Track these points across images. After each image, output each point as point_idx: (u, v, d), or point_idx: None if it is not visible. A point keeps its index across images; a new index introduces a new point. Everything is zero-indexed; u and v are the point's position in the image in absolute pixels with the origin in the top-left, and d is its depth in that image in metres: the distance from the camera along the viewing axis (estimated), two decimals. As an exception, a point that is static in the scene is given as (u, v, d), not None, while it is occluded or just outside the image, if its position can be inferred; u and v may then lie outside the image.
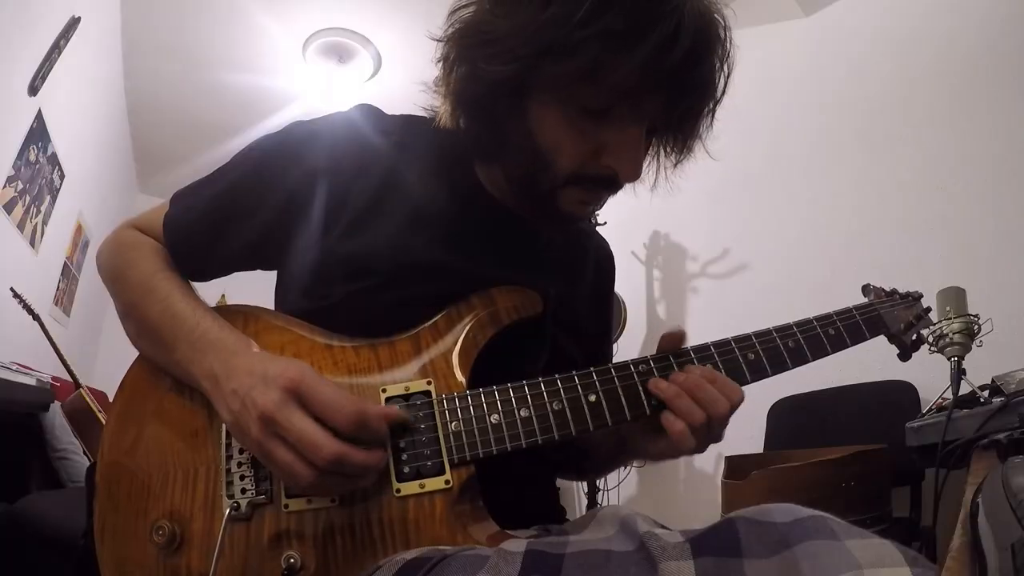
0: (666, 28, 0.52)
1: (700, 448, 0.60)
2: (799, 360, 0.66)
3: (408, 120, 0.73)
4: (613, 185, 0.63)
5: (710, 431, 0.59)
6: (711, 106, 0.62)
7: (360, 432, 0.51)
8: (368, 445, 0.51)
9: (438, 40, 0.62)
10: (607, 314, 0.86)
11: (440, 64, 0.64)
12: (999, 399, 0.97)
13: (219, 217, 0.69)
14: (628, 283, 2.75)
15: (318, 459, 0.48)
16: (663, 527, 0.49)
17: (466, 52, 0.60)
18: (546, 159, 0.61)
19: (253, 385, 0.52)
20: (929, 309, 0.86)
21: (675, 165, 0.69)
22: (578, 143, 0.60)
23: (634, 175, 0.61)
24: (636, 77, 0.54)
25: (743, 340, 0.65)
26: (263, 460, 0.52)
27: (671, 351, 0.63)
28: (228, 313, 0.65)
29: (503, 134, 0.63)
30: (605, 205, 0.70)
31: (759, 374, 0.64)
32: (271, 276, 0.74)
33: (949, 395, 1.14)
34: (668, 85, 0.56)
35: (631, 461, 0.83)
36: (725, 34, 0.58)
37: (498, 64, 0.57)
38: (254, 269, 0.74)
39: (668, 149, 0.68)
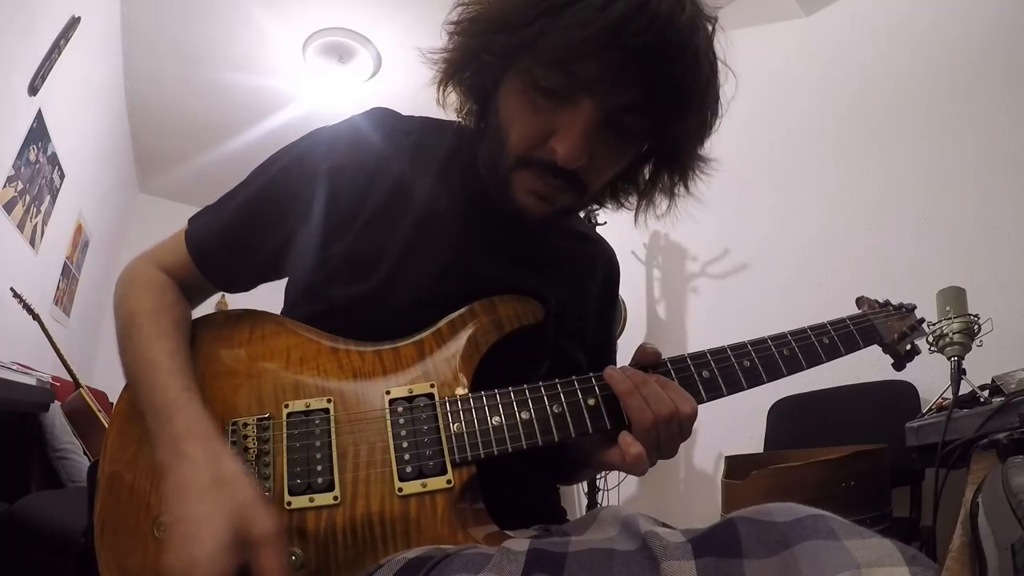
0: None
1: (650, 459, 0.57)
2: (794, 368, 0.67)
3: (424, 122, 0.74)
4: (560, 173, 0.60)
5: (658, 436, 0.56)
6: (690, 112, 0.60)
7: None
8: None
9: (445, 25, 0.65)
10: (610, 323, 0.86)
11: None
12: (999, 399, 0.97)
13: (246, 226, 0.69)
14: (628, 283, 2.73)
15: None
16: (665, 526, 0.49)
17: (453, 25, 0.63)
18: (502, 136, 0.62)
19: (176, 525, 0.48)
20: (923, 320, 0.87)
21: (671, 189, 0.68)
22: (530, 120, 0.60)
23: (571, 157, 0.58)
24: (572, 41, 0.54)
25: (738, 348, 0.65)
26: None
27: (651, 363, 0.62)
28: (234, 317, 0.66)
29: (485, 115, 0.66)
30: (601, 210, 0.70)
31: (755, 381, 0.64)
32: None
33: (949, 395, 1.14)
34: (608, 56, 0.55)
35: (587, 472, 0.82)
36: (696, 18, 0.56)
37: (467, 36, 0.61)
38: (282, 278, 0.73)
39: (667, 170, 0.67)
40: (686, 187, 0.68)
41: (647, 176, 0.70)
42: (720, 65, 0.61)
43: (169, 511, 0.50)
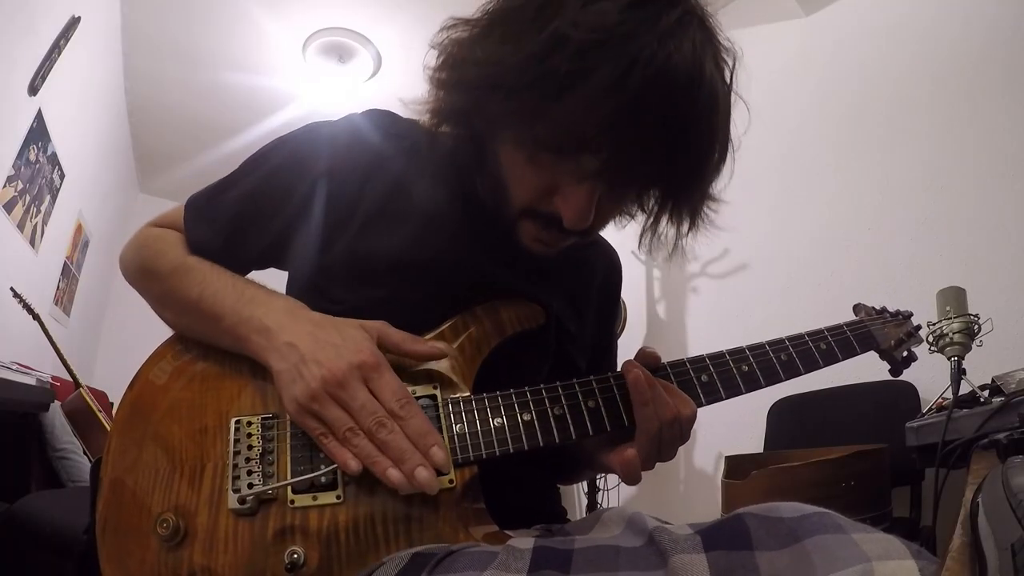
0: (606, 76, 0.48)
1: (650, 463, 0.60)
2: (791, 373, 0.68)
3: (419, 125, 0.74)
4: (564, 228, 0.59)
5: (660, 440, 0.58)
6: (707, 170, 0.59)
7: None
8: None
9: (433, 49, 0.62)
10: (611, 325, 0.86)
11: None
12: (999, 399, 0.97)
13: (241, 222, 0.69)
14: (628, 283, 2.73)
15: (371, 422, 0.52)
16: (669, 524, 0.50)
17: (437, 73, 0.60)
18: (505, 189, 0.61)
19: (322, 348, 0.55)
20: (919, 327, 0.88)
21: (677, 237, 0.66)
22: (532, 178, 0.58)
23: (577, 221, 0.57)
24: (583, 122, 0.51)
25: (737, 353, 0.66)
26: (302, 414, 0.54)
27: (650, 368, 0.62)
28: None
29: (482, 154, 0.63)
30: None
31: (753, 386, 0.65)
32: (270, 275, 0.75)
33: (949, 395, 1.14)
34: (614, 135, 0.52)
35: (587, 473, 0.83)
36: (715, 72, 0.54)
37: (454, 92, 0.59)
38: (267, 268, 0.74)
39: (670, 215, 0.65)
40: (694, 226, 0.66)
41: (651, 205, 0.66)
42: (735, 97, 0.58)
43: (290, 355, 0.56)
